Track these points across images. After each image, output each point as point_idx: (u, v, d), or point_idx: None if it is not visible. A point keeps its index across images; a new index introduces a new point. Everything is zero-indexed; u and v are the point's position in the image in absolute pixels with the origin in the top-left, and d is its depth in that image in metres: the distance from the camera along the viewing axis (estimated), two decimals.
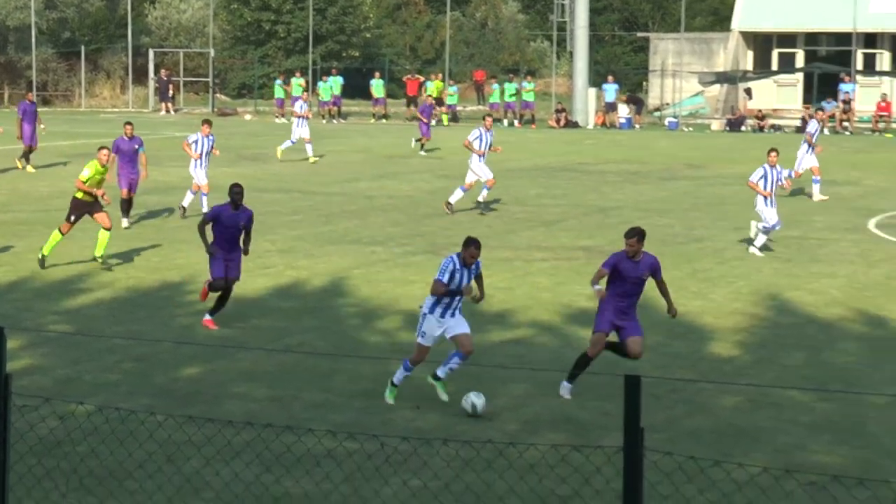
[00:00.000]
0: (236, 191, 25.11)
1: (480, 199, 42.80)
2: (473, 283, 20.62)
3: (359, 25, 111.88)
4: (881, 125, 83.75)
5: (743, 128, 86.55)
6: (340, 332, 25.83)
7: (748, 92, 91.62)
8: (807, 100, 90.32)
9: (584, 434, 18.62)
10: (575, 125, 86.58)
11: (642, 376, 9.76)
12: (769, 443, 18.61)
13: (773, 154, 35.75)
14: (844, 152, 69.24)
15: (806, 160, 46.85)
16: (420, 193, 48.95)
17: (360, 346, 24.77)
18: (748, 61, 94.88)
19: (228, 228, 25.25)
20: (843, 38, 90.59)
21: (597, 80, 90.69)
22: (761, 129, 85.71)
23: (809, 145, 47.48)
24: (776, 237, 37.01)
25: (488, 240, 36.68)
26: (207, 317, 25.61)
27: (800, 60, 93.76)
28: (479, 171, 42.46)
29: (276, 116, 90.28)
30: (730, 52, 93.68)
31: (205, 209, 36.52)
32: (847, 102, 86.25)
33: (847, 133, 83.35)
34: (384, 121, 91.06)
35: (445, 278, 20.13)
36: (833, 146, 73.66)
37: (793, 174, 44.95)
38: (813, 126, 49.91)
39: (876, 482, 16.21)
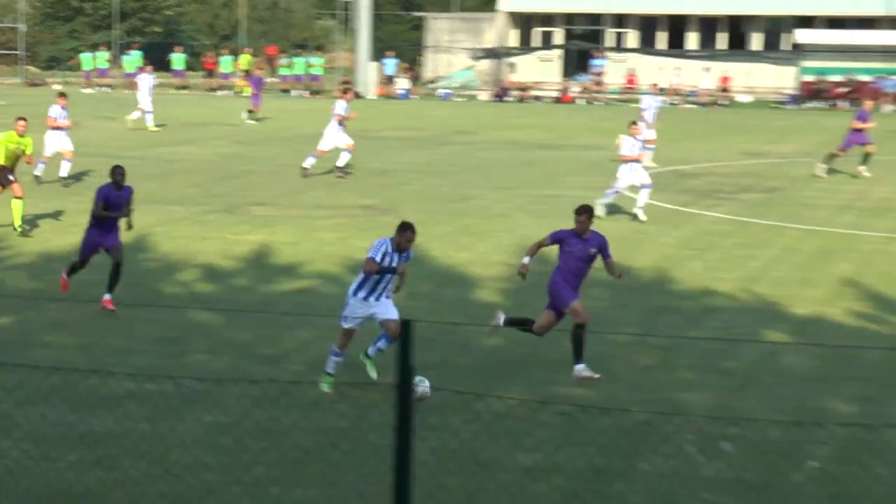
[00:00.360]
0: (119, 172, 23.88)
1: (340, 163, 42.31)
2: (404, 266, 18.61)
3: (160, 3, 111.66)
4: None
5: (507, 98, 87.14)
6: (143, 285, 25.44)
7: (512, 66, 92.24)
8: (565, 73, 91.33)
9: (363, 374, 18.60)
10: (358, 96, 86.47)
11: (414, 320, 9.77)
12: (526, 378, 18.72)
13: (634, 126, 35.84)
14: (595, 120, 69.95)
15: (646, 133, 45.93)
16: (217, 158, 48.51)
17: (161, 296, 24.48)
18: (513, 39, 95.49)
19: (114, 207, 23.94)
20: (596, 19, 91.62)
21: (377, 55, 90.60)
22: (523, 99, 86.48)
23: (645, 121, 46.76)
24: (544, 196, 37.40)
25: (278, 199, 36.72)
26: (107, 296, 23.30)
27: (558, 38, 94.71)
28: (338, 138, 42.12)
29: (83, 87, 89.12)
30: (496, 31, 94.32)
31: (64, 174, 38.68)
32: (599, 75, 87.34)
33: (600, 103, 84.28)
34: (184, 91, 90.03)
35: (378, 256, 18.05)
36: (585, 114, 74.53)
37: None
38: (650, 101, 50.08)
39: (617, 411, 16.44)
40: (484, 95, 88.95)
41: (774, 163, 47.74)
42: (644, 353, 20.83)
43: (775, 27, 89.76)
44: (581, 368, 18.83)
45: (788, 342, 21.53)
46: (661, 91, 60.23)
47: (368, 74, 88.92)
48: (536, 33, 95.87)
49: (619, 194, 34.53)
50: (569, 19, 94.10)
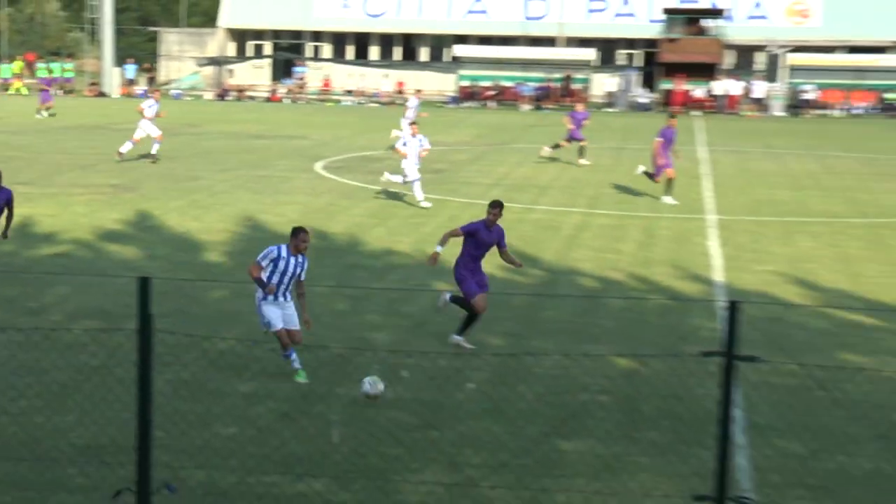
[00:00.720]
0: None
1: (153, 151, 41.19)
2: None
3: None
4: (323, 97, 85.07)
5: (228, 98, 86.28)
6: None
7: (231, 72, 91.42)
8: (274, 78, 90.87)
9: (113, 321, 18.24)
10: (104, 95, 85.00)
11: (153, 277, 9.61)
12: (244, 323, 18.53)
13: (415, 126, 34.26)
14: (300, 115, 69.79)
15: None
16: None
17: None
18: (231, 50, 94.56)
19: None
20: (298, 34, 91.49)
21: (120, 61, 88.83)
22: (240, 98, 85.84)
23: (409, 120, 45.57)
24: (259, 177, 37.22)
25: (38, 180, 35.58)
26: None
27: (268, 49, 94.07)
28: (150, 130, 41.16)
29: None
30: (217, 43, 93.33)
31: None
32: (301, 80, 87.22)
33: (302, 102, 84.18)
34: None
35: (265, 262, 15.68)
36: (290, 111, 74.19)
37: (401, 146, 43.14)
38: (414, 102, 49.27)
39: (318, 347, 16.43)
40: (209, 95, 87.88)
41: (440, 150, 48.07)
42: (340, 301, 20.87)
43: (439, 43, 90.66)
44: (459, 339, 17.83)
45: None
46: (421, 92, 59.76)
47: (112, 78, 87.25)
48: (250, 45, 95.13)
49: (407, 183, 32.98)
50: (276, 34, 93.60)
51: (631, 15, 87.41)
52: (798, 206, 34.63)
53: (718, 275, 24.31)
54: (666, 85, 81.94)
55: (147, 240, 26.86)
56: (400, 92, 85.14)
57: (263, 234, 27.50)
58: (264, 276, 15.75)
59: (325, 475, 12.62)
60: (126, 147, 41.50)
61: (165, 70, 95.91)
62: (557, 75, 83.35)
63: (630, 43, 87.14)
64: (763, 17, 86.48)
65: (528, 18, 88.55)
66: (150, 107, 42.14)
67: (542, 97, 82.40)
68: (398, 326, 19.36)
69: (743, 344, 8.97)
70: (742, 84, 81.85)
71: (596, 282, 23.44)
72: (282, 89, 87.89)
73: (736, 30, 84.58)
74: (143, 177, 37.48)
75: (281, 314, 15.81)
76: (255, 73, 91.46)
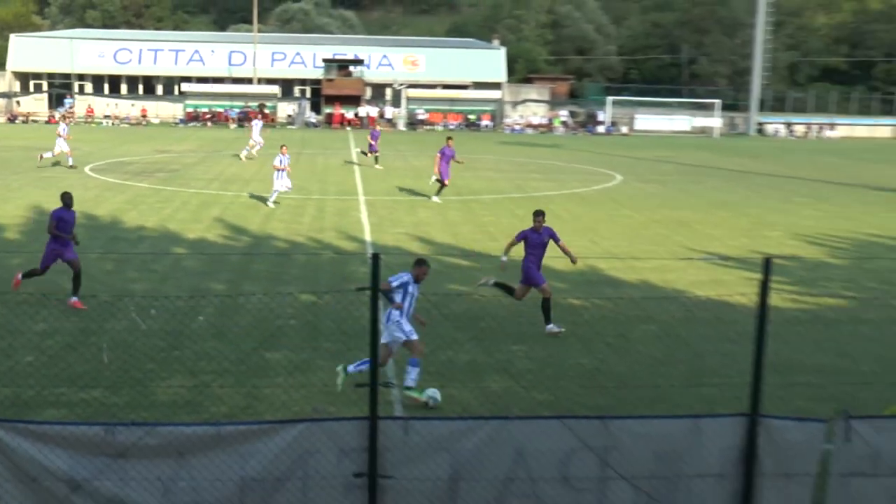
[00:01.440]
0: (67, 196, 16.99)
1: (70, 163, 38.66)
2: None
3: None
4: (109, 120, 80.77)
5: (17, 121, 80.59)
6: None
7: (18, 102, 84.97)
8: (50, 106, 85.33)
9: None
10: None
11: None
12: (36, 282, 17.44)
13: (284, 147, 30.38)
14: (71, 133, 65.91)
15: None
16: None
17: None
18: (17, 86, 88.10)
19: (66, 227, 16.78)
20: (67, 76, 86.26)
21: None
22: (26, 121, 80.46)
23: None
24: (44, 178, 35.05)
25: None
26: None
27: (45, 86, 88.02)
28: (63, 146, 39.29)
29: None
30: (7, 81, 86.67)
31: None
32: (71, 108, 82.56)
33: (73, 123, 79.49)
34: None
35: (394, 283, 12.06)
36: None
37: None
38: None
39: (90, 296, 15.71)
40: (2, 119, 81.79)
41: (174, 156, 46.66)
42: (107, 263, 19.94)
43: (170, 82, 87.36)
44: (552, 327, 15.51)
45: (186, 253, 21.30)
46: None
47: None
48: (32, 83, 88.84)
49: (278, 192, 29.58)
50: (51, 76, 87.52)
51: (302, 63, 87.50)
52: (418, 189, 35.34)
53: (367, 236, 24.57)
54: (328, 110, 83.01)
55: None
56: (144, 116, 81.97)
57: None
58: (397, 297, 12.20)
59: (100, 386, 12.19)
60: (47, 155, 40.09)
61: None
62: (253, 103, 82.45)
63: (302, 81, 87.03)
64: (389, 65, 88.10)
65: (231, 65, 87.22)
66: (63, 128, 40.66)
67: (243, 118, 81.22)
68: (149, 279, 18.69)
69: (383, 281, 9.09)
70: (377, 108, 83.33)
71: (286, 243, 23.28)
72: (56, 114, 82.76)
73: (371, 73, 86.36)
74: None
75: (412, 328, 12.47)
76: (36, 103, 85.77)
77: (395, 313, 12.22)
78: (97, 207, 28.29)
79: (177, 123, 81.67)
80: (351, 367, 12.28)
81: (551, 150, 58.60)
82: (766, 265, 8.54)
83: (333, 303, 16.44)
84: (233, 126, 79.00)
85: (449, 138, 33.62)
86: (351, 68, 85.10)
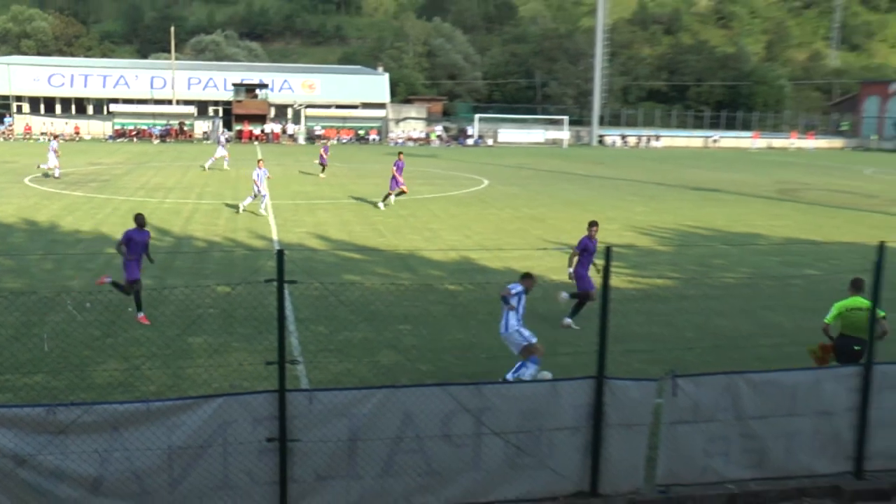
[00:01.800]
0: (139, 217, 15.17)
1: (57, 174, 35.75)
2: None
3: None
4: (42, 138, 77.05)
5: None
6: None
7: None
8: None
9: None
10: None
11: None
12: None
13: (261, 161, 28.53)
14: (10, 148, 62.59)
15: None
16: None
17: None
18: None
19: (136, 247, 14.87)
20: (6, 97, 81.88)
21: None
22: None
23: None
24: None
25: None
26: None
27: None
28: (52, 161, 37.45)
29: None
30: None
31: None
32: (10, 126, 78.54)
33: (12, 140, 75.75)
34: None
35: (514, 291, 11.43)
36: (3, 147, 66.66)
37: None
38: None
39: (26, 293, 15.04)
40: None
41: (105, 167, 45.03)
42: (47, 263, 19.07)
43: (100, 103, 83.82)
44: (569, 321, 14.88)
45: (117, 253, 20.54)
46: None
47: None
48: None
49: (257, 198, 28.23)
50: None
51: (215, 86, 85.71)
52: (317, 194, 34.93)
53: (274, 235, 24.17)
54: (238, 127, 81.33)
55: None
56: (77, 132, 78.80)
57: None
58: (512, 301, 11.51)
59: (42, 371, 11.68)
60: (43, 166, 38.95)
61: None
62: (174, 122, 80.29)
63: (215, 103, 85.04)
64: (290, 88, 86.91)
65: (153, 88, 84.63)
66: (54, 145, 39.71)
67: (164, 135, 78.93)
68: (84, 276, 17.94)
69: (288, 273, 8.97)
70: (280, 126, 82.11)
71: (204, 242, 22.70)
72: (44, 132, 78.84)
73: (274, 95, 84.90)
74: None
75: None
76: None
77: (514, 323, 11.54)
78: (36, 214, 27.04)
79: (107, 139, 78.73)
80: (509, 375, 11.42)
81: (429, 160, 58.70)
82: (608, 253, 8.76)
83: (245, 293, 16.12)
84: (156, 141, 76.68)
85: (400, 153, 32.36)
86: (257, 91, 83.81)
